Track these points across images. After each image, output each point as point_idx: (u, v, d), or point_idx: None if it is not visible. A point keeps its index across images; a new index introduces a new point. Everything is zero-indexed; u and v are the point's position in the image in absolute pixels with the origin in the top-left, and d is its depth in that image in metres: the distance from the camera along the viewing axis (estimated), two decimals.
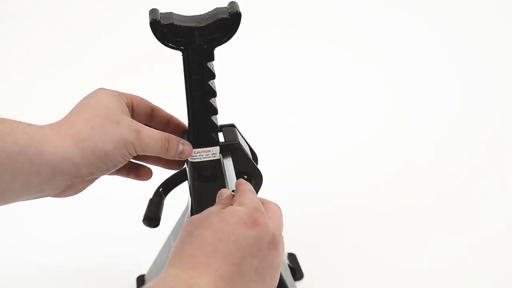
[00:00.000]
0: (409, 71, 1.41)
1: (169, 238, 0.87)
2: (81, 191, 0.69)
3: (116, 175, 0.73)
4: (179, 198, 0.83)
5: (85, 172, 0.64)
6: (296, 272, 0.92)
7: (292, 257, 0.95)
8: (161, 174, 0.80)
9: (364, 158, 1.17)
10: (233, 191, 0.67)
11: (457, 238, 0.99)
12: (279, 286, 0.81)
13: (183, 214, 0.84)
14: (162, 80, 1.34)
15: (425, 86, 1.36)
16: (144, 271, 0.94)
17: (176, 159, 0.71)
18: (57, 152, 0.61)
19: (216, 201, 0.66)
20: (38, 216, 1.07)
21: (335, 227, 1.02)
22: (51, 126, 0.64)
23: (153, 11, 0.68)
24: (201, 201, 0.76)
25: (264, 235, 0.59)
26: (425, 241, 0.98)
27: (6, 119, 0.62)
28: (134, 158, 0.70)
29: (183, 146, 0.70)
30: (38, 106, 1.33)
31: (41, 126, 0.63)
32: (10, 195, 0.61)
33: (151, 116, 0.73)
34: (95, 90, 0.69)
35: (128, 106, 0.70)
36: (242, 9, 0.67)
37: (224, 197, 0.65)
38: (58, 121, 0.65)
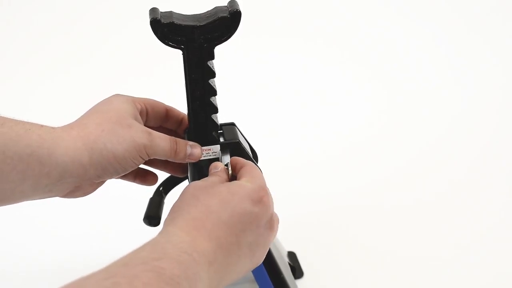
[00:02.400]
0: (407, 69, 1.41)
1: None
2: (90, 193, 0.69)
3: (123, 179, 0.74)
4: None
5: (92, 174, 0.64)
6: (296, 271, 0.92)
7: (292, 255, 0.95)
8: (161, 173, 0.81)
9: (364, 156, 1.17)
10: (226, 164, 0.68)
11: (460, 237, 0.99)
12: (280, 285, 0.82)
13: None
14: (162, 79, 1.34)
15: (424, 84, 1.36)
16: None
17: (186, 161, 0.71)
18: (67, 154, 0.62)
19: (210, 173, 0.67)
20: (38, 215, 1.07)
21: (335, 225, 1.02)
22: (62, 128, 0.64)
23: (153, 10, 0.68)
24: None
25: (264, 214, 0.61)
26: (425, 239, 0.99)
27: (19, 120, 0.62)
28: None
29: (192, 148, 0.70)
30: (42, 109, 1.33)
31: (52, 128, 0.63)
32: (19, 196, 0.61)
33: (165, 117, 0.73)
34: (110, 96, 0.69)
35: (142, 113, 0.70)
36: (242, 8, 0.67)
37: (219, 169, 0.67)
38: (69, 124, 0.66)
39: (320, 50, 1.48)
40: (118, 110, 0.66)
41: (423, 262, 0.95)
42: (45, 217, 1.07)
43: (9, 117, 0.61)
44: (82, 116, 0.67)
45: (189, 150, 0.70)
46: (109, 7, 1.62)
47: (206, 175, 0.74)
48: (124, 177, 0.73)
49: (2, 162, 0.58)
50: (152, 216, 0.77)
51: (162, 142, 0.67)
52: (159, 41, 0.68)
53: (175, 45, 0.68)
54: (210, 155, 0.73)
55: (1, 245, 1.03)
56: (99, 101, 0.69)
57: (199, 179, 0.74)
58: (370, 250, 0.97)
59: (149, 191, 0.80)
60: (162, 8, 0.69)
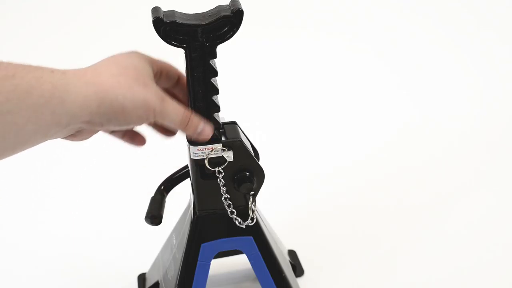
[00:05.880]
0: (408, 69, 1.42)
1: (170, 236, 0.87)
2: (86, 139, 0.68)
3: (112, 135, 0.72)
4: (181, 196, 0.83)
5: (97, 122, 0.63)
6: (297, 269, 0.92)
7: (292, 254, 0.95)
8: (162, 172, 0.81)
9: (365, 156, 1.17)
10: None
11: (460, 237, 0.99)
12: (282, 284, 0.82)
13: (185, 212, 0.84)
14: None
15: (424, 84, 1.37)
16: (145, 269, 0.94)
17: (194, 138, 0.71)
18: (77, 100, 0.61)
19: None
20: (38, 215, 1.07)
21: (335, 224, 1.02)
22: (74, 72, 0.63)
23: (155, 9, 0.69)
24: (204, 198, 0.77)
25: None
26: (425, 239, 0.99)
27: (29, 67, 0.61)
28: None
29: (205, 126, 0.70)
30: None
31: (63, 73, 0.62)
32: (30, 145, 0.61)
33: (175, 84, 0.73)
34: (128, 51, 0.68)
35: (156, 75, 0.70)
36: (244, 6, 0.68)
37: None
38: (83, 68, 0.65)
39: (321, 50, 1.48)
40: (137, 67, 0.66)
41: (424, 263, 0.95)
42: (45, 216, 1.07)
43: (18, 64, 0.60)
44: (96, 63, 0.67)
45: (201, 127, 0.70)
46: (109, 7, 1.62)
47: (208, 174, 0.74)
48: (113, 132, 0.72)
49: (17, 115, 0.58)
50: (154, 215, 0.77)
51: (173, 112, 0.67)
52: (160, 40, 0.69)
53: (178, 44, 0.69)
54: (212, 154, 0.73)
55: (1, 246, 1.03)
56: (116, 54, 0.68)
57: (201, 177, 0.75)
58: (370, 248, 0.97)
59: (151, 189, 0.80)
60: (164, 7, 0.69)
